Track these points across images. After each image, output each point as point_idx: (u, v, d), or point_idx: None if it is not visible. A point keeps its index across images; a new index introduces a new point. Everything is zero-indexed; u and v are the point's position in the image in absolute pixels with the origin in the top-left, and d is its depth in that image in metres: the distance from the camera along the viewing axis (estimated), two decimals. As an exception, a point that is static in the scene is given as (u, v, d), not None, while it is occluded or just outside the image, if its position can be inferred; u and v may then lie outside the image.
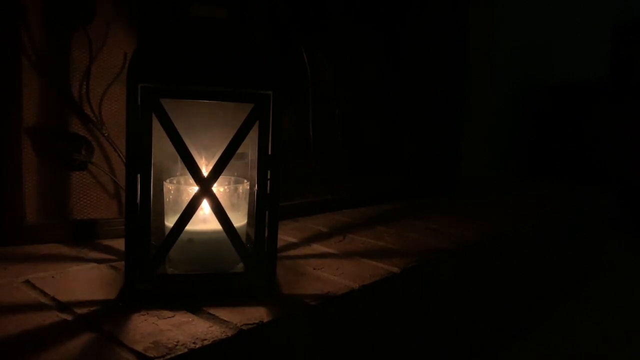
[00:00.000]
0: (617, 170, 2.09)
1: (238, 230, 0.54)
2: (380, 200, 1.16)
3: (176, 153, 0.52)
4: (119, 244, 0.72)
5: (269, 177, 0.54)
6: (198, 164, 0.53)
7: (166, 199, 0.58)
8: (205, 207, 0.55)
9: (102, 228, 0.75)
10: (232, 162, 0.53)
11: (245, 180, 0.60)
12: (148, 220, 0.51)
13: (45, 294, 0.53)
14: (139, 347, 0.42)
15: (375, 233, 0.88)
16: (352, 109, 1.11)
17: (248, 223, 0.60)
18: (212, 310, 0.50)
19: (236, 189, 0.59)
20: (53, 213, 0.71)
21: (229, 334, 0.46)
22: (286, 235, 0.83)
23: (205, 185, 0.52)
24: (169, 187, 0.58)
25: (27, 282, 0.56)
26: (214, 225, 0.54)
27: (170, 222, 0.56)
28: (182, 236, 0.53)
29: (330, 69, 1.05)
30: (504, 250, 0.97)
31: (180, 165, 0.58)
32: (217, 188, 0.55)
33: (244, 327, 0.47)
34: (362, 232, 0.88)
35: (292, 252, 0.74)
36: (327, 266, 0.67)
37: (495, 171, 1.93)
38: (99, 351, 0.42)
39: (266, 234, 0.55)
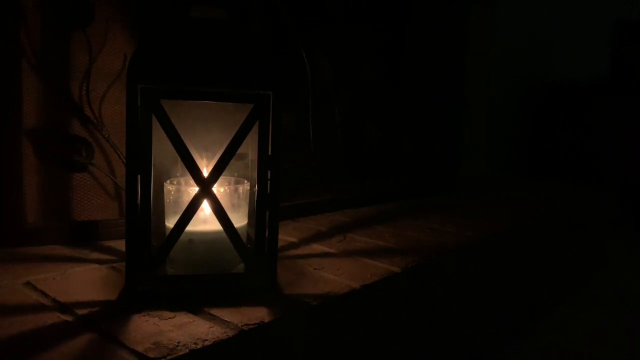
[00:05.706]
0: (617, 170, 2.09)
1: (238, 231, 0.54)
2: (380, 200, 1.16)
3: (176, 154, 0.52)
4: (120, 244, 0.72)
5: (269, 177, 0.54)
6: (198, 164, 0.53)
7: (166, 200, 0.58)
8: (205, 207, 0.55)
9: (103, 229, 0.75)
10: (232, 162, 0.53)
11: (246, 181, 0.60)
12: (148, 221, 0.51)
13: (46, 295, 0.53)
14: (139, 348, 0.42)
15: (376, 233, 0.88)
16: (352, 109, 1.12)
17: (248, 223, 0.60)
18: (212, 311, 0.50)
19: (236, 190, 0.59)
20: (53, 214, 0.72)
21: (230, 334, 0.46)
22: (286, 235, 0.83)
23: (205, 186, 0.52)
24: (169, 187, 0.58)
25: (28, 283, 0.56)
26: (215, 225, 0.54)
27: (170, 222, 0.56)
28: (183, 237, 0.53)
29: (330, 69, 1.05)
30: (504, 249, 0.97)
31: (180, 166, 0.58)
32: (217, 188, 0.55)
33: (244, 328, 0.47)
34: (363, 231, 0.88)
35: (293, 252, 0.74)
36: (328, 266, 0.67)
37: (495, 171, 1.93)
38: (100, 352, 0.42)
39: (266, 234, 0.55)
